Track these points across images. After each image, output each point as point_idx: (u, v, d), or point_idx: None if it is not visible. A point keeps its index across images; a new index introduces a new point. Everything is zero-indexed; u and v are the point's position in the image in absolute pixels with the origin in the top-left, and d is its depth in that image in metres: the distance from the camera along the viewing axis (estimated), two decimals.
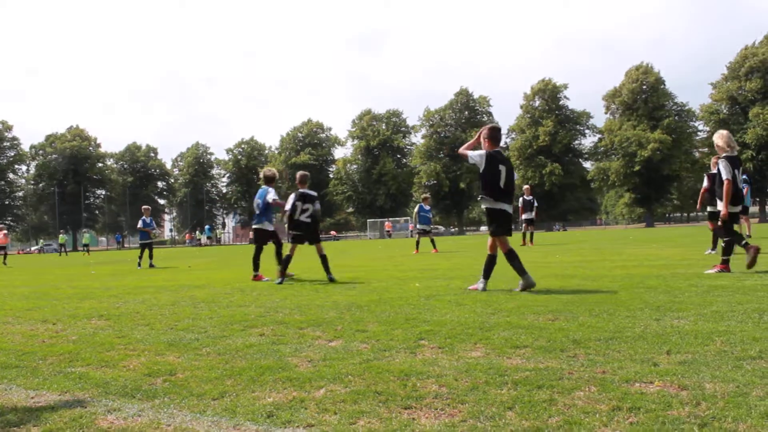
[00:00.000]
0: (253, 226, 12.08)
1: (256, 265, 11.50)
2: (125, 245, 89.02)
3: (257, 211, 11.88)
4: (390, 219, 77.96)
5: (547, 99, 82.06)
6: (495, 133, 8.17)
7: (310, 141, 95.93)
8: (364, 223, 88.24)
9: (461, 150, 8.34)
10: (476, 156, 7.94)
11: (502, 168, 7.83)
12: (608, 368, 3.64)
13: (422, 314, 6.07)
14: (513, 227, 8.63)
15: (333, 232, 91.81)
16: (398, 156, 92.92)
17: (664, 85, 76.05)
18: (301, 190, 10.85)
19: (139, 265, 19.00)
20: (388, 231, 71.83)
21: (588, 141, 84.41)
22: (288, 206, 10.81)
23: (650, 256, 13.31)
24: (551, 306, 6.23)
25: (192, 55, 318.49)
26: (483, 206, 8.05)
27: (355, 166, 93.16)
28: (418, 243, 21.76)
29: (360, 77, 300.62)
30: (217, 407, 3.26)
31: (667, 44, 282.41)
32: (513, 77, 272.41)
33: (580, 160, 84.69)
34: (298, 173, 11.25)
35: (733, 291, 6.78)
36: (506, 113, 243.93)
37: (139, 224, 19.96)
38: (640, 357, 3.88)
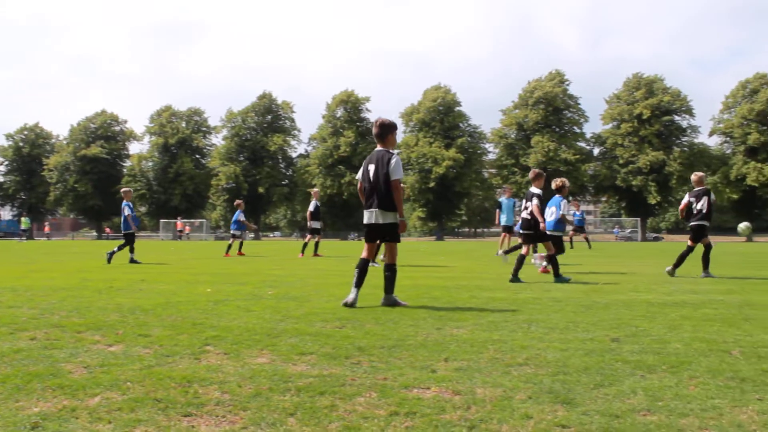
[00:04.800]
0: (554, 233, 11.79)
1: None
2: None
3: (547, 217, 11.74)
4: (185, 219, 74.81)
5: (350, 110, 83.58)
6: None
7: (103, 133, 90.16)
8: (157, 223, 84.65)
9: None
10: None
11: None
12: (389, 375, 3.75)
13: (210, 319, 5.93)
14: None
15: (108, 230, 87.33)
16: (197, 156, 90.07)
17: (460, 106, 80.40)
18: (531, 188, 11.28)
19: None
20: (181, 231, 68.20)
21: None
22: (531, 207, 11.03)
23: (438, 268, 13.97)
24: (339, 314, 6.33)
25: None
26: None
27: (150, 163, 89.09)
28: (229, 246, 21.06)
29: (162, 70, 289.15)
30: None
31: (467, 69, 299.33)
32: (319, 85, 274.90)
33: None
34: (531, 171, 11.30)
35: (508, 303, 7.29)
36: (310, 121, 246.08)
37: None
38: (420, 364, 4.04)
